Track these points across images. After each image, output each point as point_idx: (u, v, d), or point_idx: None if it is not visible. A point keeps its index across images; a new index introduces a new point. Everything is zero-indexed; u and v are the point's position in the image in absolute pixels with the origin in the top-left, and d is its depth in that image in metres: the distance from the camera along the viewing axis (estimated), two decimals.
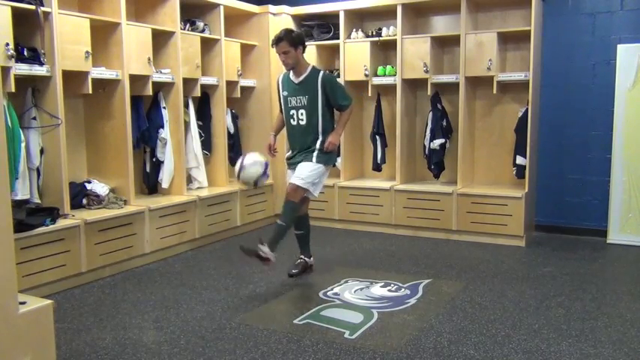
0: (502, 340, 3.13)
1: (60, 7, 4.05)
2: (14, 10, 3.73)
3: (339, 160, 5.66)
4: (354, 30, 5.95)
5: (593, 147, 5.38)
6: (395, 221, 5.66)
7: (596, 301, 3.75)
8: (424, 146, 5.74)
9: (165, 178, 5.12)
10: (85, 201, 4.51)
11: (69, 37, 4.12)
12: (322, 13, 6.08)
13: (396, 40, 5.62)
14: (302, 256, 4.40)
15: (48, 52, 4.00)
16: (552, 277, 4.27)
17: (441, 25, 5.88)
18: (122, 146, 4.63)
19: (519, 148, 5.29)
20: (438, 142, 5.56)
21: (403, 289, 4.00)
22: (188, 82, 5.27)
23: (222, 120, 5.68)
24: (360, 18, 6.13)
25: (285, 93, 4.16)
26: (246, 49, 6.02)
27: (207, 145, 5.68)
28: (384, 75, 5.79)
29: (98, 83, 4.48)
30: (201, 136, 5.57)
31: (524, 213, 5.10)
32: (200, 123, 5.59)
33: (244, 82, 5.98)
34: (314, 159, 4.10)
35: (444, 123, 5.62)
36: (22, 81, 3.99)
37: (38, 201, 4.12)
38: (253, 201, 5.91)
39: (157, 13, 5.06)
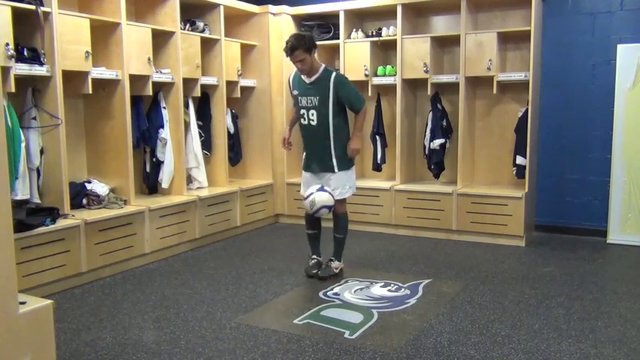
0: (502, 340, 3.13)
1: (60, 7, 4.05)
2: (14, 10, 3.73)
3: None
4: (354, 30, 5.95)
5: (593, 147, 5.38)
6: (395, 221, 5.66)
7: (596, 301, 3.75)
8: (424, 146, 5.74)
9: (165, 178, 5.12)
10: (85, 201, 4.51)
11: (69, 37, 4.12)
12: (322, 13, 6.08)
13: (396, 40, 5.62)
14: (315, 256, 4.40)
15: (48, 52, 4.00)
16: (552, 277, 4.27)
17: (441, 25, 5.89)
18: (122, 146, 4.63)
19: (519, 148, 5.29)
20: (438, 142, 5.56)
21: (403, 289, 4.00)
22: (188, 82, 5.27)
23: (222, 120, 5.68)
24: (360, 18, 6.14)
25: (296, 92, 4.14)
26: (246, 49, 6.02)
27: (207, 145, 5.68)
28: (384, 75, 5.79)
29: (98, 83, 4.48)
30: (201, 136, 5.57)
31: (524, 213, 5.10)
32: (200, 123, 5.59)
33: (244, 82, 5.98)
34: (336, 169, 4.12)
35: (444, 123, 5.63)
36: (22, 81, 3.99)
37: (38, 201, 4.12)
38: (253, 201, 5.91)
39: (157, 13, 5.06)
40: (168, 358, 2.96)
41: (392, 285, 4.09)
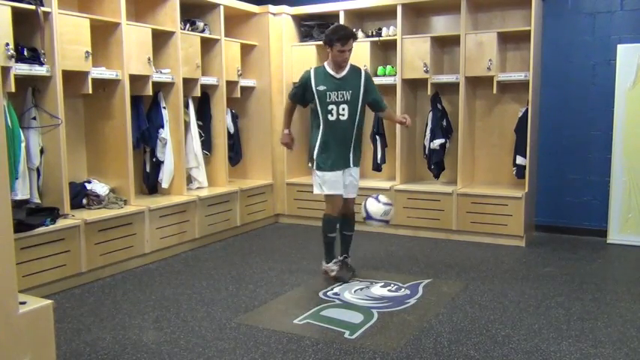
0: (502, 340, 3.13)
1: (60, 7, 4.05)
2: (14, 10, 3.73)
3: None
4: (354, 30, 5.94)
5: (593, 147, 5.38)
6: (395, 221, 5.65)
7: (596, 301, 3.75)
8: (424, 146, 5.74)
9: (165, 178, 5.12)
10: (85, 201, 4.51)
11: (69, 37, 4.12)
12: (322, 13, 6.08)
13: (396, 40, 5.62)
14: (341, 257, 4.33)
15: (48, 52, 4.00)
16: (552, 277, 4.27)
17: (441, 25, 5.89)
18: (122, 146, 4.63)
19: (519, 148, 5.29)
20: (438, 142, 5.56)
21: (403, 289, 4.00)
22: (188, 82, 5.27)
23: (222, 120, 5.68)
24: (360, 18, 6.14)
25: (323, 87, 4.04)
26: (246, 49, 6.02)
27: (207, 145, 5.67)
28: (384, 75, 5.79)
29: (98, 83, 4.48)
30: (201, 136, 5.57)
31: (524, 213, 5.10)
32: (200, 123, 5.59)
33: (244, 82, 5.98)
34: (352, 164, 4.16)
35: (444, 123, 5.63)
36: (22, 81, 3.99)
37: (38, 201, 4.12)
38: (253, 201, 5.91)
39: (157, 13, 5.06)
40: (168, 358, 2.96)
41: (392, 285, 4.09)
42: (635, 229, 5.15)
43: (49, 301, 2.38)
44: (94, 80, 4.39)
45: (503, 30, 5.30)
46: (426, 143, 5.69)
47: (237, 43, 5.85)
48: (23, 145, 3.96)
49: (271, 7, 6.00)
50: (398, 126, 5.69)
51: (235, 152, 6.05)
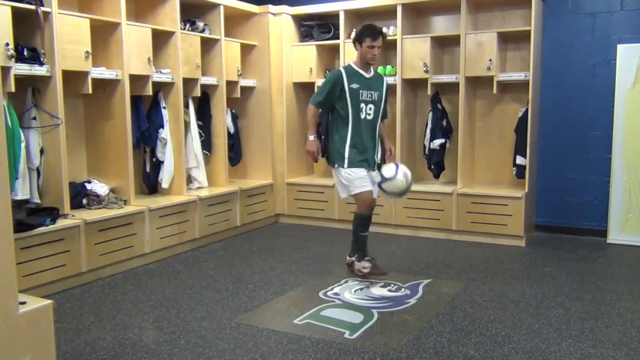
0: (502, 340, 3.13)
1: (60, 7, 4.05)
2: (14, 10, 3.73)
3: None
4: (354, 30, 5.94)
5: (593, 147, 5.38)
6: (395, 221, 5.66)
7: (596, 301, 3.75)
8: (424, 146, 5.74)
9: (165, 178, 5.12)
10: (85, 201, 4.51)
11: (69, 37, 4.12)
12: (322, 13, 6.08)
13: (396, 40, 5.62)
14: (369, 257, 4.30)
15: (48, 52, 4.00)
16: (552, 277, 4.27)
17: (441, 25, 5.89)
18: (122, 146, 4.63)
19: (519, 148, 5.29)
20: (438, 142, 5.56)
21: (403, 289, 4.00)
22: (188, 82, 5.27)
23: (222, 120, 5.68)
24: (360, 18, 6.13)
25: (356, 85, 4.09)
26: (246, 49, 6.02)
27: (207, 145, 5.67)
28: (384, 75, 5.78)
29: (98, 83, 4.48)
30: (201, 136, 5.57)
31: (524, 213, 5.11)
32: (200, 123, 5.59)
33: (244, 82, 5.98)
34: (374, 169, 4.20)
35: (444, 123, 5.63)
36: (22, 81, 3.98)
37: (38, 201, 4.12)
38: (253, 201, 5.91)
39: (157, 13, 5.06)
40: (168, 358, 2.96)
41: (392, 285, 4.09)
42: (635, 229, 5.15)
43: (49, 301, 2.38)
44: (94, 80, 4.39)
45: (503, 30, 5.30)
46: (426, 143, 5.69)
47: (237, 43, 5.85)
48: (23, 145, 3.96)
49: (271, 7, 6.00)
50: (398, 126, 5.69)
51: (235, 152, 6.05)
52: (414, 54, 5.55)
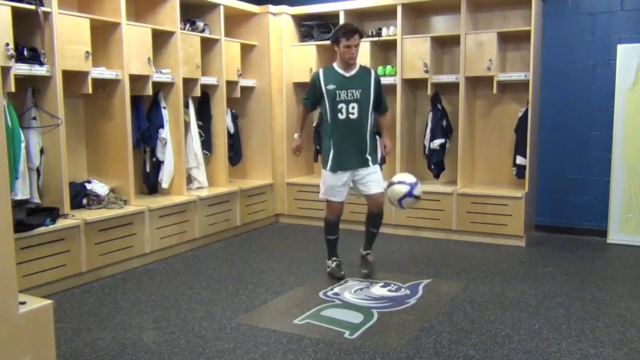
0: (502, 340, 3.13)
1: (60, 7, 4.05)
2: (14, 10, 3.73)
3: None
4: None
5: (593, 147, 5.38)
6: (395, 221, 5.66)
7: (596, 301, 3.75)
8: (424, 146, 5.74)
9: (165, 178, 5.12)
10: (85, 201, 4.51)
11: (69, 37, 4.12)
12: (322, 13, 6.08)
13: (396, 40, 5.62)
14: (336, 258, 4.33)
15: (48, 52, 4.00)
16: (552, 277, 4.27)
17: (441, 25, 5.89)
18: (122, 146, 4.63)
19: (519, 148, 5.29)
20: (437, 142, 5.56)
21: (403, 289, 4.00)
22: (188, 82, 5.27)
23: (222, 120, 5.68)
24: (360, 18, 6.13)
25: (333, 86, 4.06)
26: (246, 49, 6.02)
27: (207, 145, 5.67)
28: (384, 75, 5.78)
29: (98, 83, 4.48)
30: (201, 136, 5.57)
31: (524, 213, 5.10)
32: (200, 123, 5.59)
33: (244, 82, 5.98)
34: (370, 163, 4.14)
35: (444, 123, 5.62)
36: (22, 81, 3.98)
37: (38, 201, 4.12)
38: (253, 201, 5.91)
39: (157, 13, 5.06)
40: (168, 358, 2.96)
41: (392, 285, 4.09)
42: (635, 229, 5.15)
43: (49, 301, 2.38)
44: (94, 80, 4.39)
45: (503, 30, 5.30)
46: (426, 143, 5.69)
47: (237, 43, 5.84)
48: (23, 145, 3.96)
49: (271, 7, 6.00)
50: (398, 126, 5.69)
51: (235, 152, 6.05)
52: (414, 54, 5.55)
